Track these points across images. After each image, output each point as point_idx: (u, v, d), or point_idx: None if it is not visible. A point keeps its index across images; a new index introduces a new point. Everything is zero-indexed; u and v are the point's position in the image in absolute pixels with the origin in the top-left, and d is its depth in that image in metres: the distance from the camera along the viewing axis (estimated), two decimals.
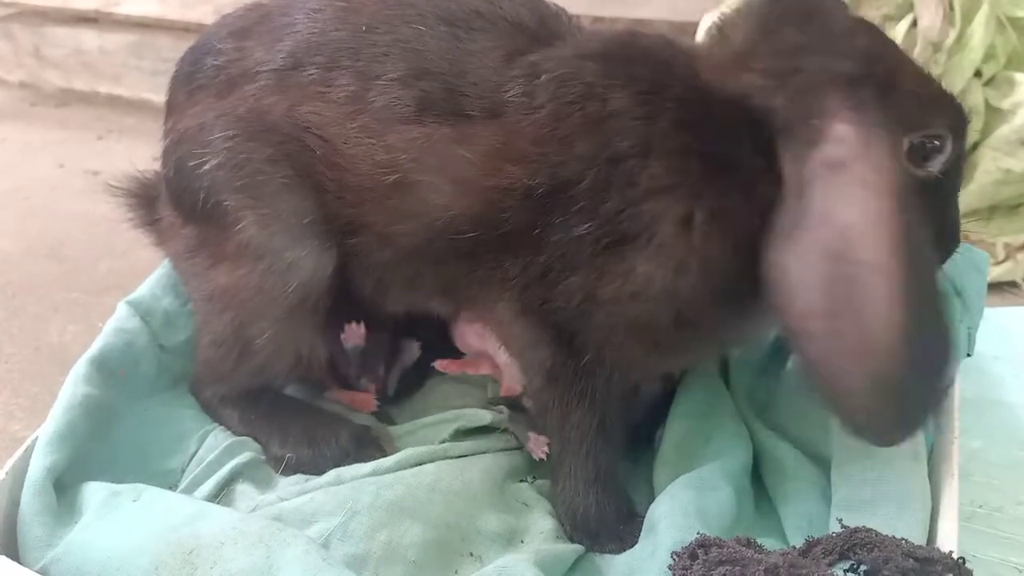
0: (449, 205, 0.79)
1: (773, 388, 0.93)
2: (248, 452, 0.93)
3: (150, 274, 1.12)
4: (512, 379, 0.97)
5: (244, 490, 0.88)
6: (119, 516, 0.76)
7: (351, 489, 0.83)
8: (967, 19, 1.63)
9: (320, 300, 0.90)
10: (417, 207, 0.80)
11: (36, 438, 0.85)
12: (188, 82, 0.93)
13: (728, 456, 0.84)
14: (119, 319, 1.03)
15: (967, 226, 1.54)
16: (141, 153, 1.21)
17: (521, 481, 0.91)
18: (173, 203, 0.96)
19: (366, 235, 0.85)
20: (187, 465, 0.95)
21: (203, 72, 0.90)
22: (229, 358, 0.95)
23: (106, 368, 0.95)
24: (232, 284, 0.90)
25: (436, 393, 1.06)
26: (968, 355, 0.91)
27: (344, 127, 0.81)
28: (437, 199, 0.79)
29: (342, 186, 0.83)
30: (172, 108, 0.96)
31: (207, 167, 0.87)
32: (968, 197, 1.56)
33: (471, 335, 1.01)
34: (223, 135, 0.86)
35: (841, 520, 0.70)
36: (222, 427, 0.99)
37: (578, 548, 0.84)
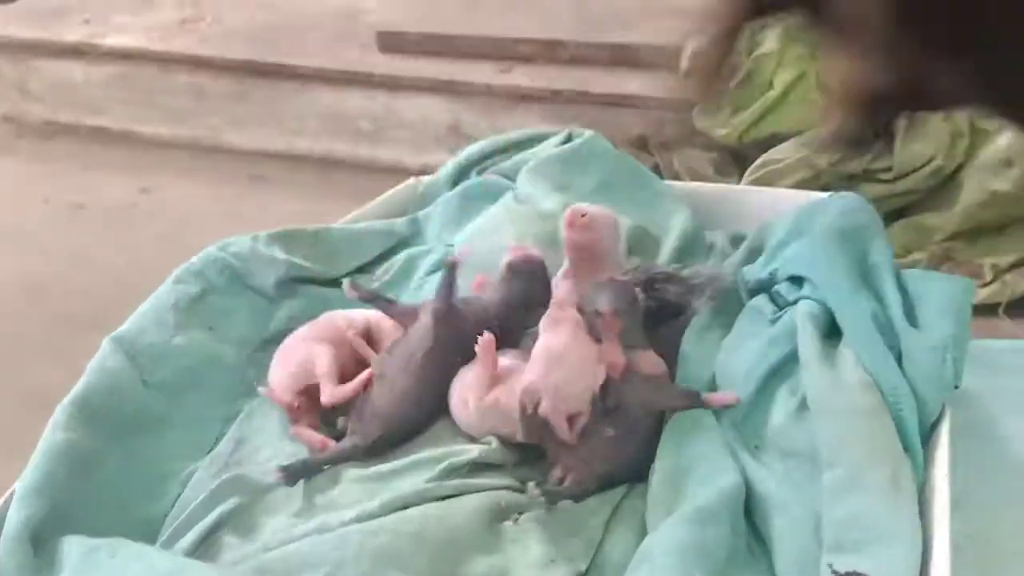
0: None
1: (761, 423, 0.92)
2: (234, 498, 0.92)
3: (133, 309, 1.12)
4: None
5: (228, 541, 0.87)
6: (97, 574, 0.75)
7: (336, 539, 0.81)
8: None
9: None
10: None
11: (13, 490, 0.84)
12: None
13: (724, 491, 0.83)
14: (102, 357, 1.02)
15: (954, 248, 1.57)
16: (125, 185, 1.21)
17: (507, 521, 0.89)
18: None
19: None
20: (168, 512, 0.94)
21: None
22: None
23: (88, 411, 0.95)
24: None
25: (428, 432, 1.04)
26: (956, 386, 0.90)
27: None
28: None
29: None
30: None
31: None
32: (954, 219, 1.57)
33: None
34: None
35: (832, 565, 0.70)
36: (207, 464, 0.98)
37: (569, 574, 0.83)
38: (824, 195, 1.31)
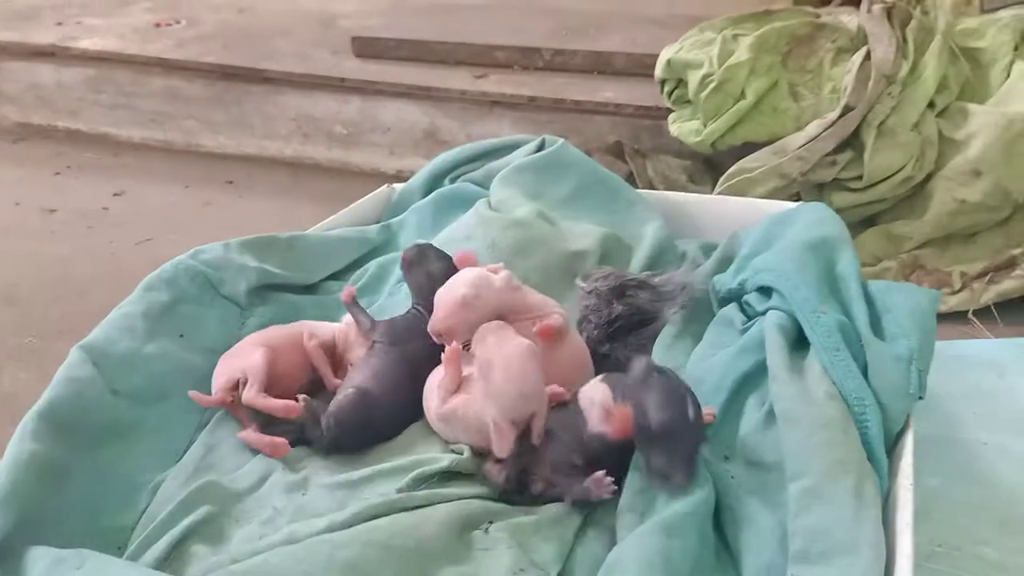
0: None
1: (731, 433, 0.93)
2: (204, 506, 0.92)
3: (104, 315, 1.11)
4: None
5: (197, 551, 0.86)
6: None
7: (304, 550, 0.81)
8: (920, 51, 1.66)
9: None
10: None
11: None
12: None
13: (692, 501, 0.83)
14: (70, 366, 1.02)
15: (923, 256, 1.59)
16: (98, 189, 1.20)
17: (478, 530, 0.89)
18: None
19: None
20: (137, 522, 0.93)
21: None
22: None
23: (55, 422, 0.94)
24: None
25: (399, 439, 1.04)
26: (920, 398, 0.91)
27: None
28: None
29: None
30: None
31: None
32: (924, 227, 1.59)
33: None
34: None
35: None
36: (176, 472, 0.98)
37: None
38: (793, 205, 1.32)
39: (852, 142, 1.62)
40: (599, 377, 0.95)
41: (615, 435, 0.88)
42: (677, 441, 0.83)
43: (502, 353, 0.92)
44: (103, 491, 0.95)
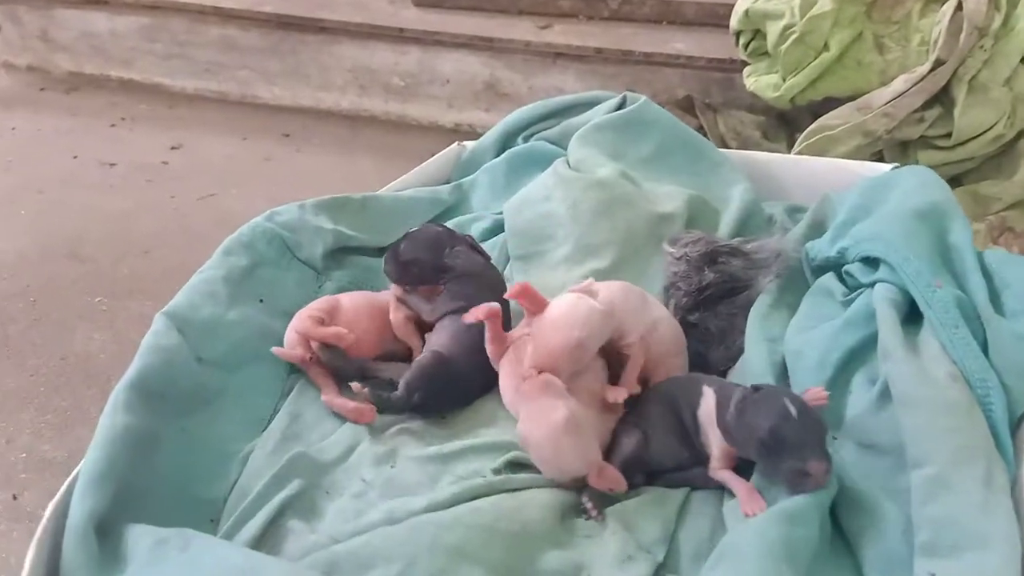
0: None
1: (839, 413, 0.89)
2: (296, 480, 0.90)
3: (173, 274, 1.09)
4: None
5: (294, 527, 0.85)
6: (167, 569, 0.73)
7: (408, 531, 0.79)
8: (1013, 2, 1.57)
9: None
10: None
11: (76, 475, 0.82)
12: None
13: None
14: (156, 334, 1.00)
15: (1012, 219, 1.53)
16: (155, 141, 1.17)
17: (579, 517, 0.87)
18: None
19: None
20: (229, 494, 0.92)
21: None
22: None
23: (146, 392, 0.93)
24: None
25: (483, 411, 1.02)
26: None
27: None
28: None
29: None
30: None
31: None
32: (1013, 188, 1.53)
33: None
34: None
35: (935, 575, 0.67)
36: (263, 441, 0.97)
37: (649, 568, 0.81)
38: (887, 167, 1.27)
39: (940, 98, 1.54)
40: (708, 384, 0.93)
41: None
42: (793, 440, 0.80)
43: (535, 435, 0.88)
44: (193, 461, 0.94)
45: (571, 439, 0.85)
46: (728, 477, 0.87)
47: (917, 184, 1.10)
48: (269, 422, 1.02)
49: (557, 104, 1.43)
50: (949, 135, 1.54)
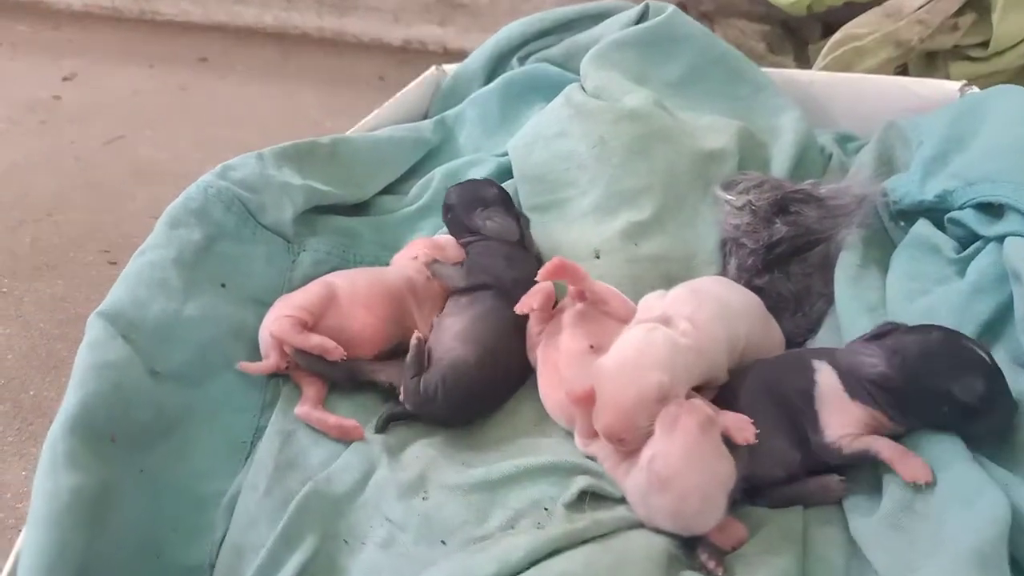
0: None
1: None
2: (310, 536, 0.69)
3: (85, 242, 0.85)
4: None
5: None
6: None
7: None
8: None
9: None
10: None
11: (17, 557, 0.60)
12: None
13: (999, 518, 0.62)
14: (95, 346, 0.76)
15: None
16: (42, 72, 0.89)
17: (690, 570, 0.67)
18: None
19: None
20: (216, 556, 0.70)
21: None
22: None
23: (92, 434, 0.70)
24: None
25: (522, 416, 0.82)
26: None
27: None
28: None
29: None
30: None
31: None
32: None
33: None
34: None
35: None
36: (252, 476, 0.75)
37: None
38: (953, 85, 1.10)
39: (972, 2, 1.37)
40: (815, 358, 0.73)
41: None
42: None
43: (687, 483, 0.66)
44: (161, 512, 0.73)
45: (724, 499, 0.65)
46: (873, 443, 0.69)
47: (1021, 107, 0.92)
48: (251, 446, 0.80)
49: (559, 17, 1.19)
50: (984, 44, 1.37)
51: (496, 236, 0.89)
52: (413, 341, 0.83)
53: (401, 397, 0.80)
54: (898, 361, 0.68)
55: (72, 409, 0.68)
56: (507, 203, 0.93)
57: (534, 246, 0.94)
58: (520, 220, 0.93)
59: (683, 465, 0.65)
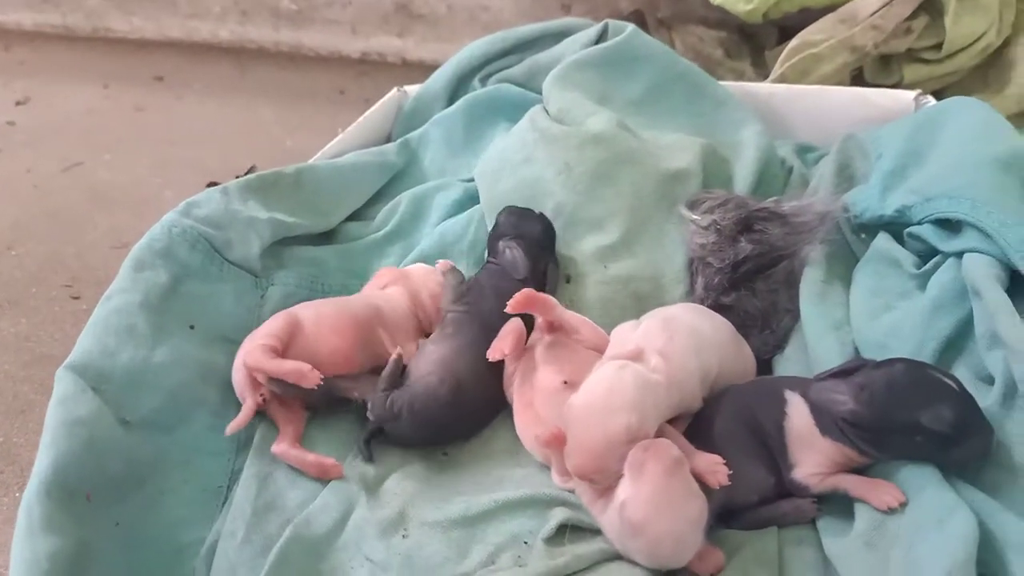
0: None
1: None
2: None
3: (47, 276, 0.85)
4: None
5: None
6: None
7: None
8: None
9: None
10: None
11: None
12: None
13: (967, 537, 0.63)
14: (65, 402, 0.75)
15: None
16: None
17: None
18: None
19: None
20: None
21: None
22: None
23: (67, 494, 0.70)
24: None
25: (496, 445, 0.84)
26: None
27: None
28: None
29: None
30: None
31: None
32: (1007, 103, 1.40)
33: None
34: None
35: None
36: (231, 522, 0.75)
37: None
38: (908, 95, 1.12)
39: (925, 5, 1.39)
40: (788, 388, 0.75)
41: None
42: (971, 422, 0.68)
43: (658, 528, 0.67)
44: (138, 566, 0.71)
45: (699, 535, 0.66)
46: (841, 481, 0.71)
47: (978, 122, 0.93)
48: (228, 491, 0.80)
49: (520, 36, 1.19)
50: (937, 47, 1.39)
51: (506, 267, 0.89)
52: (393, 356, 0.83)
53: (367, 409, 0.81)
54: (866, 397, 0.69)
55: (45, 472, 0.67)
56: (536, 241, 0.92)
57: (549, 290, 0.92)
58: (541, 262, 0.91)
59: (652, 511, 0.65)
